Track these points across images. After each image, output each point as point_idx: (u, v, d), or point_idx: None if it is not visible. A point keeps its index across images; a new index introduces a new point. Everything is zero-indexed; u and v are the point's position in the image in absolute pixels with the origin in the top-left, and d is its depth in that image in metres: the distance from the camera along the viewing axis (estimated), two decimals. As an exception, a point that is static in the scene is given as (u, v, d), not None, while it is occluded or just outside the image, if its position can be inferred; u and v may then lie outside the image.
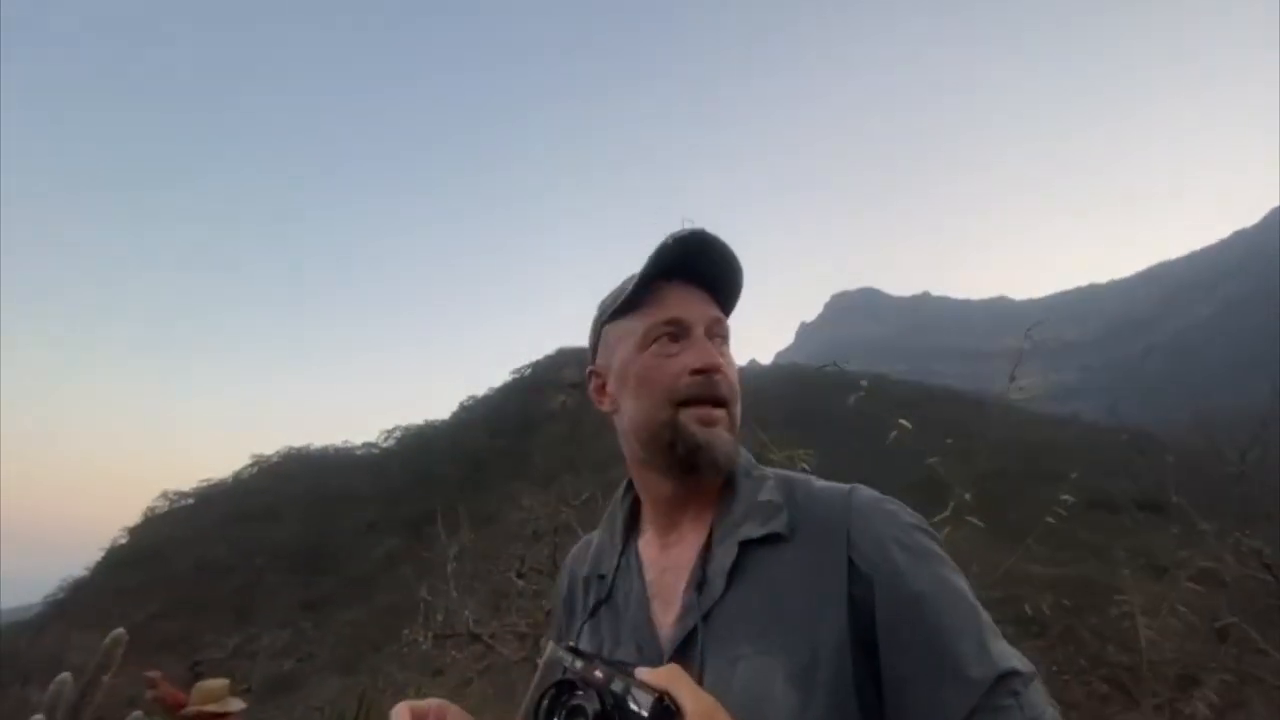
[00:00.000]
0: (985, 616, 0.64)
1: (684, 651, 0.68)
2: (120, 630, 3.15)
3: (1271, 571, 3.16)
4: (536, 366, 76.07)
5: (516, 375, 78.11)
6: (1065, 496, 2.66)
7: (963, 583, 0.66)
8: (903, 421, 2.38)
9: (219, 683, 3.62)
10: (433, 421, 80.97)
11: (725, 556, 0.70)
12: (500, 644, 3.99)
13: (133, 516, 66.12)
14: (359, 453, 77.68)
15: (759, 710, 0.61)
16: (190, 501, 68.49)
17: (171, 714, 3.43)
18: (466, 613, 3.80)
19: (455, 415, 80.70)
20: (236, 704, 3.52)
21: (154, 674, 3.59)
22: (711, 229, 0.76)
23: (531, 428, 60.05)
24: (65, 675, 2.95)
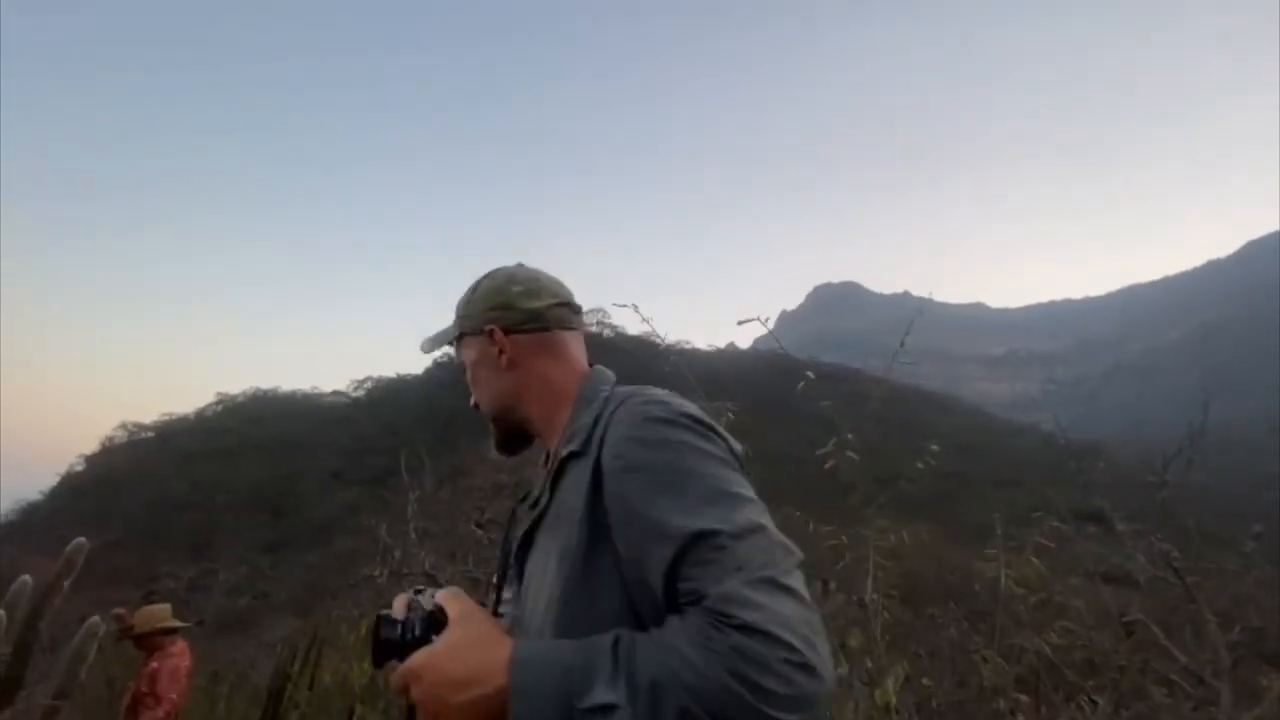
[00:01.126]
0: (710, 487, 0.69)
1: (522, 547, 0.91)
2: (82, 539, 3.22)
3: (1178, 574, 3.41)
4: (516, 330, 75.41)
5: (495, 337, 77.48)
6: (933, 446, 2.86)
7: (695, 460, 0.72)
8: (808, 373, 2.52)
9: (161, 606, 3.72)
10: (405, 375, 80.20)
11: (550, 472, 0.87)
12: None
13: (90, 445, 64.83)
14: (327, 400, 76.80)
15: (541, 584, 0.81)
16: (150, 435, 67.28)
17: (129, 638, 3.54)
18: (424, 554, 3.92)
19: (429, 371, 79.81)
20: (179, 624, 3.64)
21: (121, 610, 3.67)
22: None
23: (506, 390, 59.80)
24: (25, 577, 3.03)
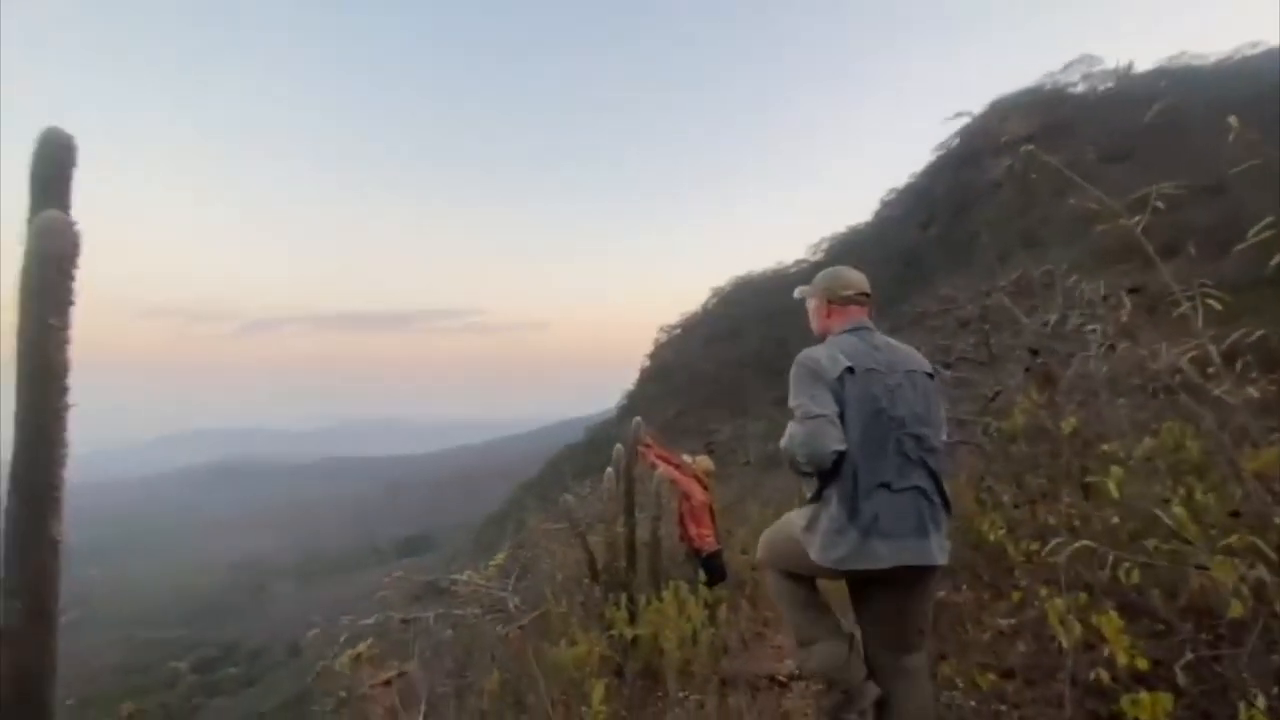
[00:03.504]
0: (795, 389, 1.97)
1: None
2: (638, 418, 4.57)
3: None
4: (965, 133, 63.71)
5: (941, 151, 67.83)
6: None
7: (795, 377, 1.99)
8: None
9: (709, 463, 5.21)
10: (856, 226, 79.16)
11: None
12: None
13: (649, 346, 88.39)
14: (793, 270, 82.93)
15: None
16: (679, 331, 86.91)
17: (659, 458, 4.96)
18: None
19: (877, 214, 76.74)
20: (704, 476, 5.09)
21: (649, 439, 5.10)
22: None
23: (970, 206, 52.30)
24: (618, 445, 4.52)
